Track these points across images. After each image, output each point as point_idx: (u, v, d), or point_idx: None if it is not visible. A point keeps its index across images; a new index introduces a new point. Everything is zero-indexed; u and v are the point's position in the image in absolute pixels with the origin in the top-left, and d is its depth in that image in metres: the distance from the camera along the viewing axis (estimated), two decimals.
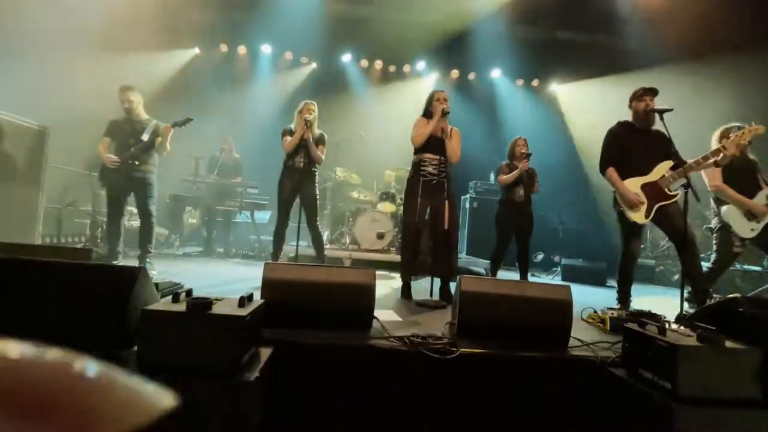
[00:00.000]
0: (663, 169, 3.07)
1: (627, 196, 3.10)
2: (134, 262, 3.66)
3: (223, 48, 8.01)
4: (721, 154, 3.01)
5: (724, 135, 3.37)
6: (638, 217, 3.12)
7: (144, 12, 5.68)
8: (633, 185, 3.12)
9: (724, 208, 3.41)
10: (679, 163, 3.03)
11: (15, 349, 0.18)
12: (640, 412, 1.60)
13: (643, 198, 3.08)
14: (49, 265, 1.62)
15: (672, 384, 1.49)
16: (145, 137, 3.77)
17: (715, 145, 3.41)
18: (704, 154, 3.03)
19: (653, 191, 3.07)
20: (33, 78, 4.83)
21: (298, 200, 3.96)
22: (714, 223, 3.54)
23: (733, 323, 1.87)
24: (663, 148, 3.09)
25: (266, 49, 8.07)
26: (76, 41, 5.00)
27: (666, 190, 3.05)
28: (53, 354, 0.18)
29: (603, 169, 3.26)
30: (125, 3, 5.51)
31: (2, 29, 4.67)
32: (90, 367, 0.18)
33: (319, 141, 3.98)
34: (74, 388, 0.17)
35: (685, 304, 2.78)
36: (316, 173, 4.07)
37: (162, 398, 0.19)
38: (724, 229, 3.41)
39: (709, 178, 3.46)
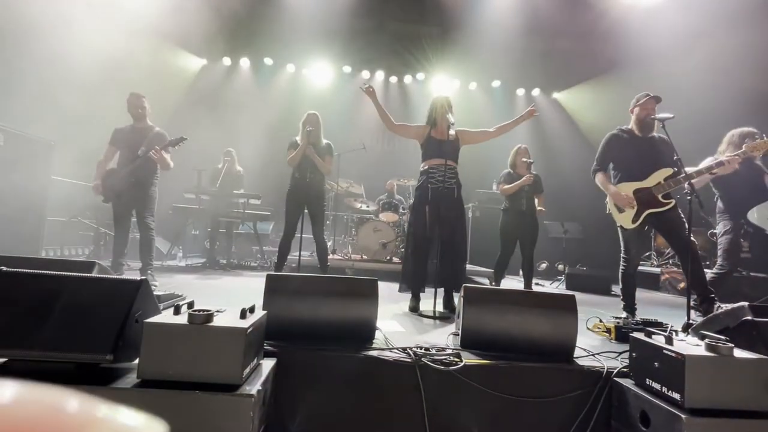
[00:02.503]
0: (660, 176, 3.02)
1: (617, 196, 3.08)
2: (137, 275, 3.65)
3: (226, 61, 8.11)
4: (720, 169, 2.97)
5: (736, 141, 3.31)
6: (624, 220, 3.09)
7: (150, 21, 5.78)
8: (625, 189, 3.10)
9: (754, 211, 3.34)
10: (679, 172, 2.96)
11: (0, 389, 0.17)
12: (647, 423, 1.57)
13: (633, 202, 3.05)
14: (53, 278, 1.62)
15: (680, 395, 1.46)
16: (142, 151, 3.75)
17: (725, 147, 3.38)
18: (707, 165, 2.99)
19: (646, 197, 3.03)
20: (40, 92, 4.89)
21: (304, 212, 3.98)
22: (719, 227, 3.49)
23: (741, 332, 1.84)
24: (663, 154, 3.05)
25: (268, 61, 8.17)
26: (80, 53, 5.07)
27: (659, 197, 3.00)
28: (39, 392, 0.18)
29: (593, 175, 3.27)
30: (128, 13, 5.60)
31: (9, 41, 4.75)
32: (78, 403, 0.18)
33: (326, 152, 3.99)
34: (64, 424, 0.16)
35: (692, 313, 2.75)
36: (323, 184, 4.08)
37: (152, 430, 0.18)
38: (729, 233, 3.38)
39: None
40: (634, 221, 3.06)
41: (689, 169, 2.98)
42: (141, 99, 3.87)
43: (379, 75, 8.45)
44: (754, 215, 3.35)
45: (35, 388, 0.17)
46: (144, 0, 5.78)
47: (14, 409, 0.16)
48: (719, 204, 3.55)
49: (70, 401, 0.17)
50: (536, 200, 4.26)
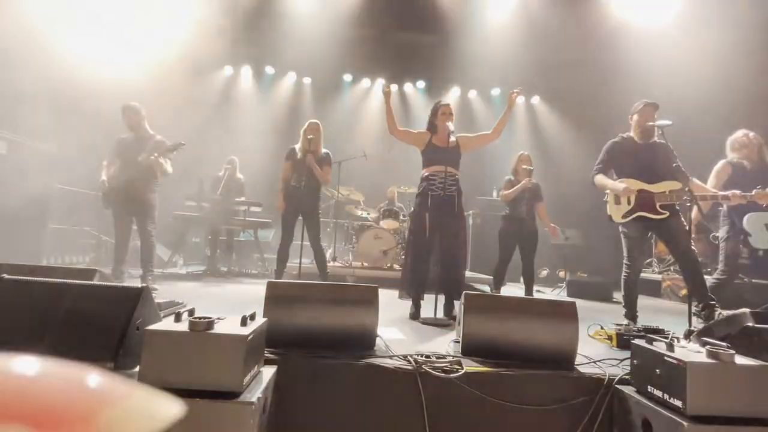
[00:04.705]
0: (667, 186, 3.02)
1: (617, 188, 3.07)
2: (138, 282, 3.65)
3: (228, 70, 8.18)
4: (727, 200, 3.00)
5: (736, 147, 3.40)
6: (615, 213, 3.12)
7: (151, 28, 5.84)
8: (632, 184, 3.08)
9: (747, 216, 3.33)
10: (683, 180, 2.97)
11: (27, 363, 0.18)
12: (649, 430, 1.56)
13: (633, 192, 3.04)
14: (54, 286, 1.62)
15: (682, 402, 1.45)
16: (142, 157, 3.76)
17: (728, 150, 3.46)
18: (713, 194, 3.02)
19: (644, 200, 3.04)
20: (43, 100, 4.93)
21: (300, 218, 3.99)
22: (722, 232, 3.46)
23: (742, 338, 1.84)
24: (665, 160, 3.05)
25: (270, 70, 8.23)
26: (81, 59, 5.12)
27: (657, 206, 3.01)
28: (64, 367, 0.18)
29: (592, 179, 3.26)
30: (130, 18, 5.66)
31: (13, 50, 4.79)
32: (100, 378, 0.18)
33: (324, 161, 4.01)
34: (86, 399, 0.17)
35: (694, 320, 2.73)
36: (319, 192, 4.11)
37: (171, 408, 0.19)
38: (732, 238, 3.35)
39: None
40: (624, 217, 3.08)
41: (696, 182, 3.04)
42: (131, 110, 3.83)
43: (380, 83, 8.51)
44: (747, 220, 3.34)
45: (59, 364, 0.18)
46: (146, 9, 5.85)
47: (40, 383, 0.17)
48: (725, 206, 3.52)
49: (92, 376, 0.18)
50: (541, 211, 4.26)
